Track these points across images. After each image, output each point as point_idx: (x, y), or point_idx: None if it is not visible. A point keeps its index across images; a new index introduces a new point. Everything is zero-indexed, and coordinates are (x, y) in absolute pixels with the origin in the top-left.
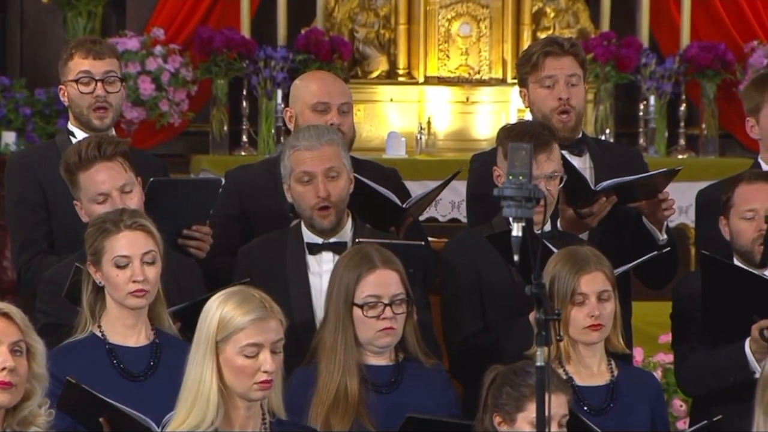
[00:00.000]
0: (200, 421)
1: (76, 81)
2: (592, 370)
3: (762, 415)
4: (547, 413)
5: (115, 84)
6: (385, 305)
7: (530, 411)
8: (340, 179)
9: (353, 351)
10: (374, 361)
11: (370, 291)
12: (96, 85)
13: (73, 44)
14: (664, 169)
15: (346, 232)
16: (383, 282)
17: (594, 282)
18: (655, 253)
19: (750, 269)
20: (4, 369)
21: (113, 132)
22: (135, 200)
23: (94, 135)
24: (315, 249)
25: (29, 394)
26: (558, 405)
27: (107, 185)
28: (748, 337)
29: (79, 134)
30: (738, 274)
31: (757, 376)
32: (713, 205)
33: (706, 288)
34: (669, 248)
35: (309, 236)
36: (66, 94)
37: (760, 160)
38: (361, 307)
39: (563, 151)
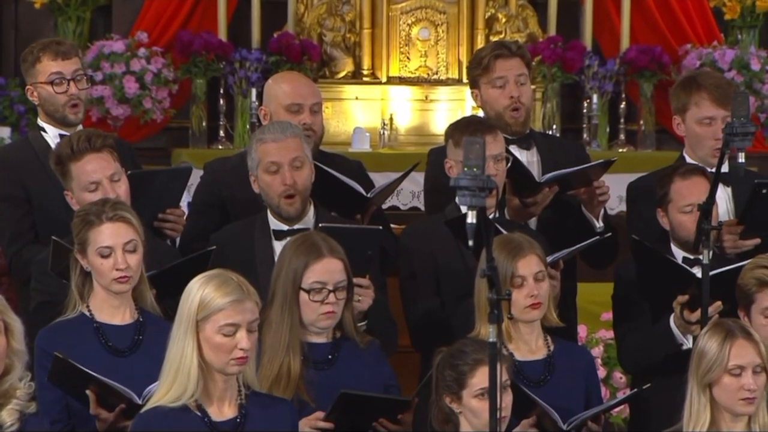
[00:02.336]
0: (181, 393)
1: (51, 83)
2: (531, 346)
3: (695, 385)
4: (489, 383)
5: (83, 81)
6: (330, 291)
7: (471, 385)
8: (304, 168)
9: (297, 330)
10: (313, 338)
11: (317, 278)
12: (68, 84)
13: (38, 47)
14: (601, 161)
15: (309, 219)
16: (329, 269)
17: (529, 265)
18: (597, 238)
19: (670, 257)
20: None
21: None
22: (123, 188)
23: (83, 129)
24: (281, 235)
25: (9, 369)
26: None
27: (98, 174)
28: (672, 314)
29: (50, 130)
30: (662, 260)
31: (685, 347)
32: (644, 194)
33: (639, 267)
34: (609, 234)
35: (275, 223)
36: (35, 94)
37: (684, 154)
38: (308, 291)
39: (512, 146)
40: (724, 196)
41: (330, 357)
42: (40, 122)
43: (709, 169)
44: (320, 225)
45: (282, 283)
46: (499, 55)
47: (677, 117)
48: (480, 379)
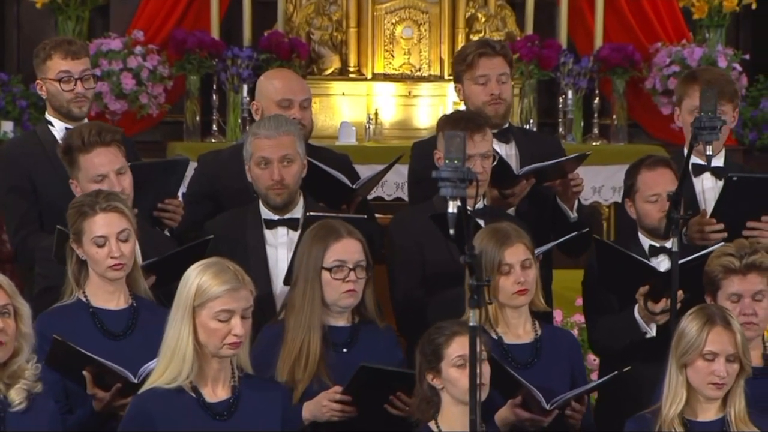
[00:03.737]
0: (177, 375)
1: (59, 80)
2: (518, 331)
3: (674, 363)
4: (470, 370)
5: (90, 80)
6: (350, 269)
7: (448, 355)
8: (293, 165)
9: (318, 311)
10: (334, 322)
11: (337, 256)
12: (76, 83)
13: (51, 45)
14: (576, 154)
15: (299, 209)
16: (348, 249)
17: (516, 253)
18: (576, 233)
19: (629, 252)
20: None
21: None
22: (127, 181)
23: (93, 123)
24: (271, 224)
25: (17, 351)
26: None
27: (106, 167)
28: (636, 305)
29: (57, 123)
30: (622, 255)
31: (648, 336)
32: None
33: (600, 264)
34: (587, 230)
35: (266, 213)
36: (44, 88)
37: (685, 149)
38: (329, 270)
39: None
40: (717, 188)
41: (349, 340)
42: (48, 116)
43: (702, 162)
44: (308, 214)
45: (304, 267)
46: (483, 54)
47: (677, 109)
48: (456, 348)
